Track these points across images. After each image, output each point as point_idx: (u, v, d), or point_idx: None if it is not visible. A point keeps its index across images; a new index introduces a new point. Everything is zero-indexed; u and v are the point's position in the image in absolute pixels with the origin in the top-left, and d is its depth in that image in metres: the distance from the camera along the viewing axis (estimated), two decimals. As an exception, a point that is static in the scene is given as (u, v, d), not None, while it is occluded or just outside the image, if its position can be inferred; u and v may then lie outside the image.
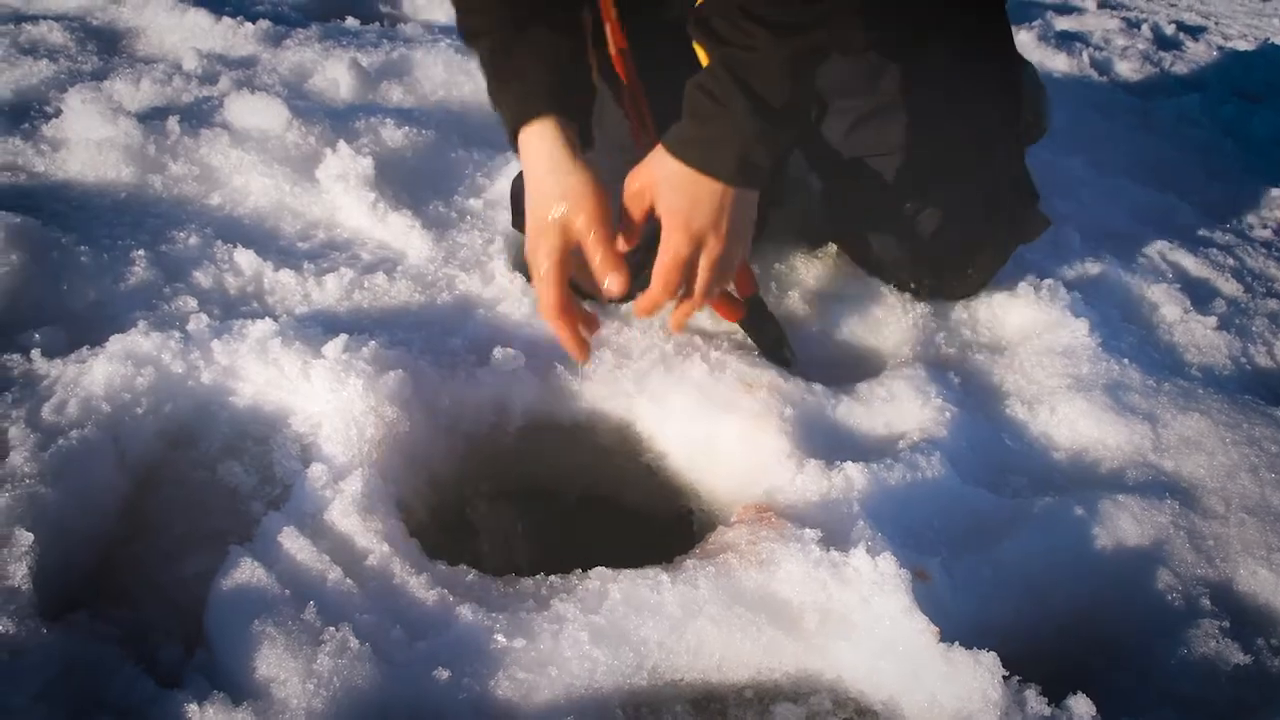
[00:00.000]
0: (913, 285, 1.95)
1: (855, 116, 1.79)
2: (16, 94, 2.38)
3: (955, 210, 1.83)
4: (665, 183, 1.42)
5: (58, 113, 2.23)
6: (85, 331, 1.60)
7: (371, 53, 2.58)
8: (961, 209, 1.83)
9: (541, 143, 1.46)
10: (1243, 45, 4.77)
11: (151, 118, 2.17)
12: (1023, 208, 1.91)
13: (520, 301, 1.75)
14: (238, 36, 2.70)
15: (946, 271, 1.92)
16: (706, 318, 1.78)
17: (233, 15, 2.83)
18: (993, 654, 1.14)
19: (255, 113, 2.16)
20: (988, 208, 1.86)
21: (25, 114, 2.28)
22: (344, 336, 1.53)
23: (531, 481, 1.63)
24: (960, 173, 1.81)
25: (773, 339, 1.73)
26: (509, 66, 1.50)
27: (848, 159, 1.83)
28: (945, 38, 1.74)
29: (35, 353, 1.51)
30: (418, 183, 2.06)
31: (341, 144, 2.05)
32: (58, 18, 2.91)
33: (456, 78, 2.48)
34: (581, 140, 1.50)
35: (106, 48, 2.77)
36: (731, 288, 1.61)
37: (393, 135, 2.17)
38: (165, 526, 1.36)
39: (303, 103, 2.26)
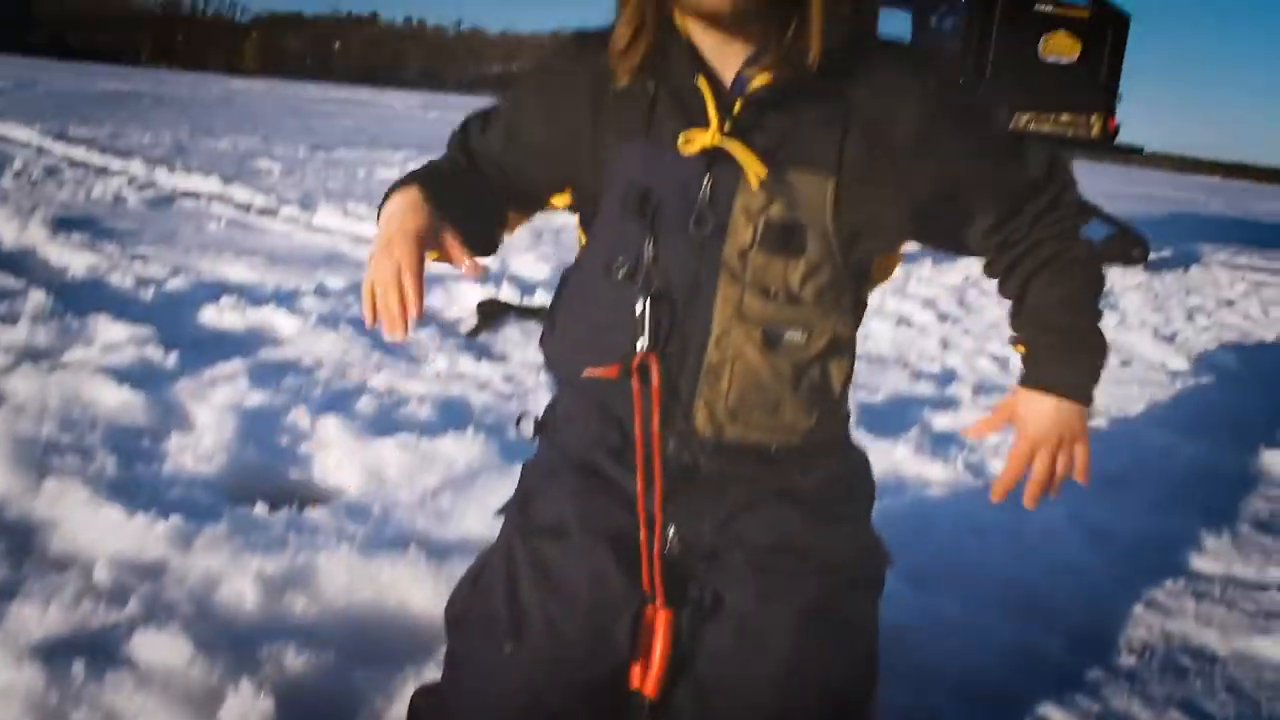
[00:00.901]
0: None
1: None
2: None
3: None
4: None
5: (-36, 653, 2.29)
6: None
7: (278, 555, 2.71)
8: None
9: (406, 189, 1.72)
10: (1101, 422, 5.22)
11: (57, 655, 2.23)
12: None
13: None
14: (149, 536, 2.82)
15: None
16: None
17: (145, 508, 2.95)
18: None
19: (160, 649, 2.25)
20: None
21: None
22: None
23: None
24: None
25: None
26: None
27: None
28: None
29: None
30: (318, 716, 2.14)
31: (244, 681, 2.14)
32: (-26, 510, 3.01)
33: (359, 583, 2.62)
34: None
35: (19, 546, 2.85)
36: None
37: (294, 662, 2.27)
38: None
39: (207, 627, 2.36)
